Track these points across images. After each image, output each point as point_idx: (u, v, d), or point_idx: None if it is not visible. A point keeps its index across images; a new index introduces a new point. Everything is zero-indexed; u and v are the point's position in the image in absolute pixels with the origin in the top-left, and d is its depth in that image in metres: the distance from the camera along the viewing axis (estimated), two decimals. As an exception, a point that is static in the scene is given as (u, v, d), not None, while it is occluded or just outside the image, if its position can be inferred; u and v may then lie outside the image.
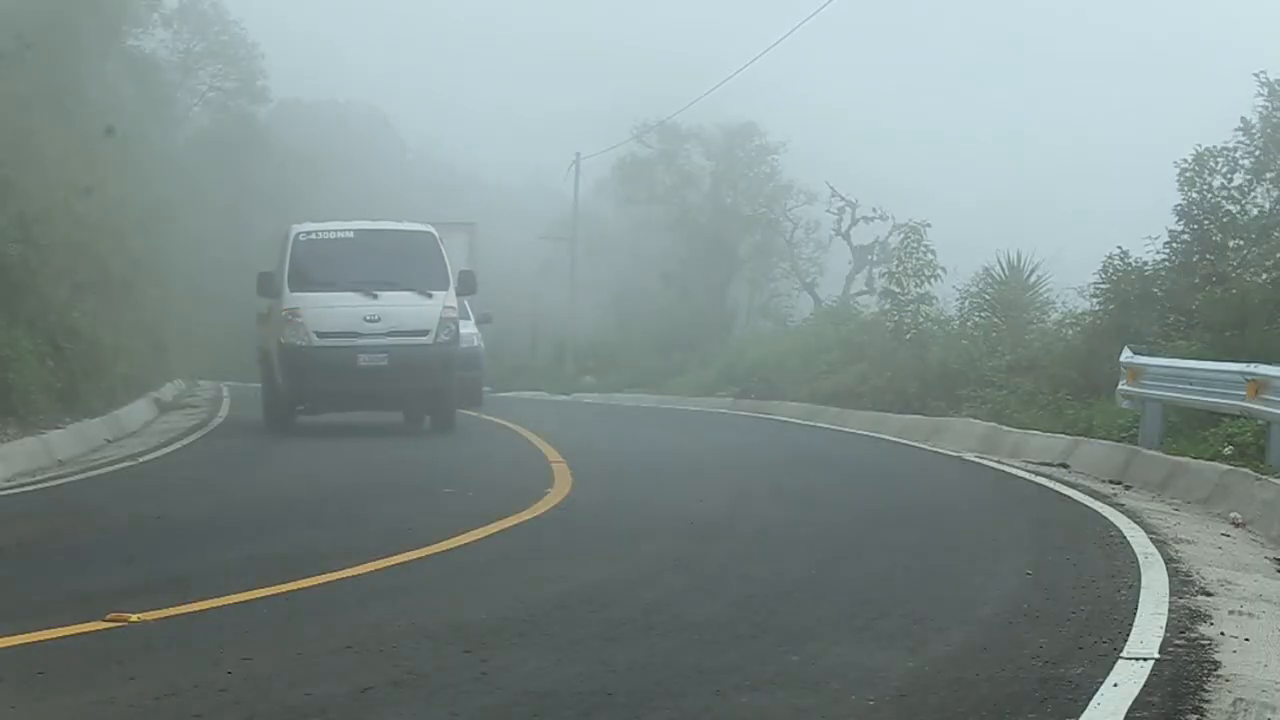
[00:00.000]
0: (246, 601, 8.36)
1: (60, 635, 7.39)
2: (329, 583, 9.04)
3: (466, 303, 27.54)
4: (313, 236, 21.46)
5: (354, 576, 9.27)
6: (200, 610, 8.07)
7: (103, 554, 10.32)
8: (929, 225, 29.22)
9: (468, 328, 27.66)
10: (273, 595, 8.54)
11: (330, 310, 20.79)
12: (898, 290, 29.07)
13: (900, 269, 29.06)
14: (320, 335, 20.69)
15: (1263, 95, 23.12)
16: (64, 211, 22.51)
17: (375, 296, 20.80)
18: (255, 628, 7.79)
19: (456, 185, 64.96)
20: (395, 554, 10.02)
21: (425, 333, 20.92)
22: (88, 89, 27.57)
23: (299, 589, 8.80)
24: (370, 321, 20.73)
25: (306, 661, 7.04)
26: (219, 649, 7.17)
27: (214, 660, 6.93)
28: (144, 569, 9.68)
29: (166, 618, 7.84)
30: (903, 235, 30.20)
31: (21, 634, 7.31)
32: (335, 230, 21.73)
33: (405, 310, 20.91)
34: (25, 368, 17.97)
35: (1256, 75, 23.14)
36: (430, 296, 21.04)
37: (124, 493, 14.38)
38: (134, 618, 7.70)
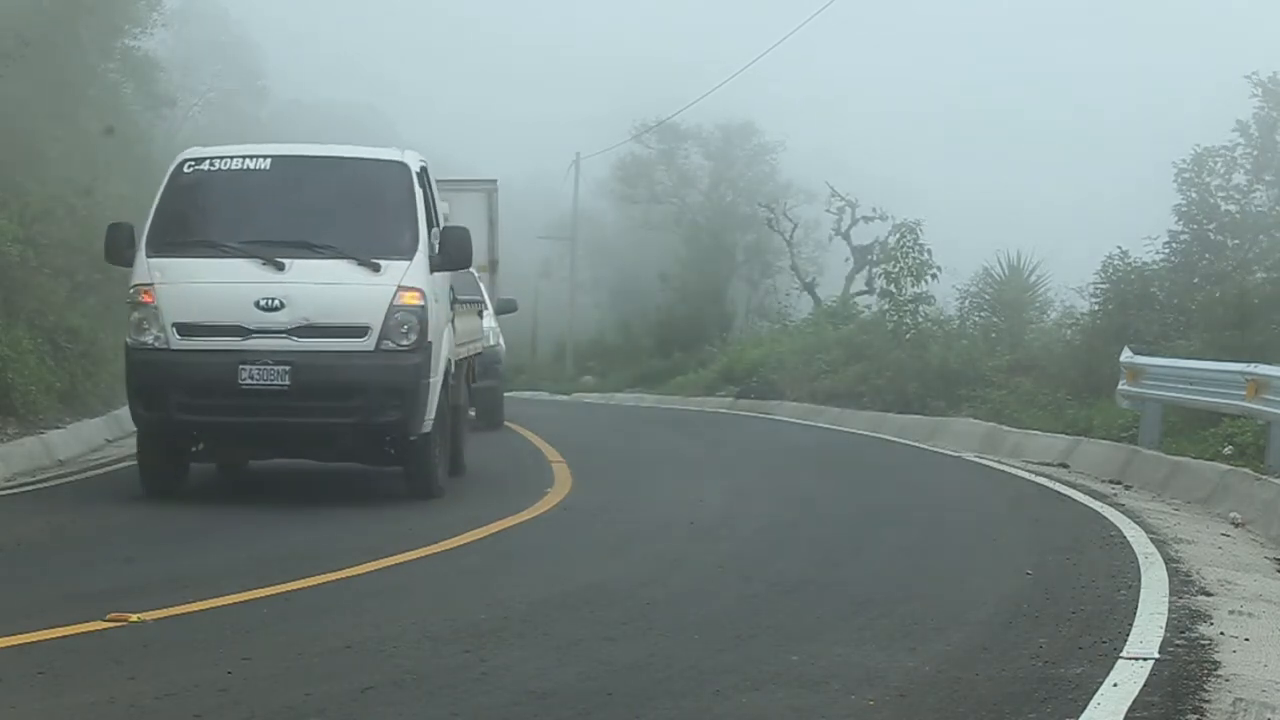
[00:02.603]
0: (246, 601, 8.36)
1: (60, 635, 7.38)
2: (329, 583, 9.04)
3: (483, 286, 22.04)
4: (204, 167, 13.42)
5: (354, 576, 9.27)
6: (200, 610, 8.07)
7: (103, 554, 10.32)
8: (921, 222, 29.26)
9: (485, 320, 20.34)
10: (273, 595, 8.54)
11: (202, 289, 12.85)
12: (895, 290, 29.11)
13: (898, 269, 29.10)
14: (182, 331, 12.72)
15: (1257, 96, 23.20)
16: (64, 211, 22.50)
17: (281, 267, 12.75)
18: (255, 628, 7.79)
19: (456, 185, 64.89)
20: (395, 554, 10.02)
21: (362, 330, 12.70)
22: (88, 89, 27.57)
23: (299, 589, 8.80)
24: (267, 309, 12.65)
25: (306, 661, 7.04)
26: (219, 649, 7.17)
27: (214, 660, 6.93)
28: (144, 569, 9.68)
29: (166, 618, 7.84)
30: (898, 235, 30.26)
31: (21, 634, 7.31)
32: (243, 157, 13.56)
33: (328, 290, 12.78)
34: (25, 368, 17.95)
35: (1249, 77, 23.23)
36: (377, 269, 12.80)
37: (124, 493, 14.37)
38: (134, 618, 7.69)
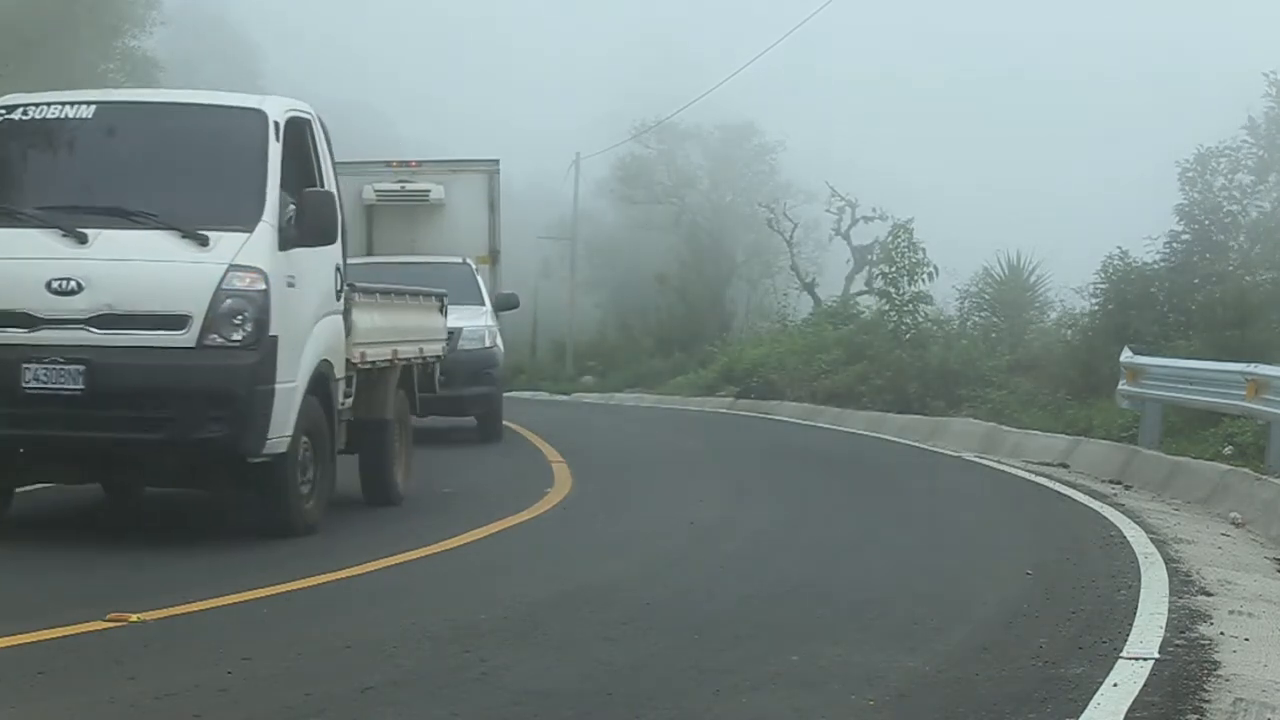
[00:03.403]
0: (246, 601, 8.36)
1: (60, 635, 7.37)
2: (329, 583, 9.04)
3: (481, 280, 20.38)
4: (15, 116, 10.85)
5: (354, 576, 9.28)
6: (200, 610, 8.07)
7: (103, 554, 10.31)
8: (912, 220, 29.29)
9: (480, 318, 19.10)
10: (273, 595, 8.54)
11: None
12: (893, 291, 29.13)
13: (894, 269, 29.13)
14: None
15: (1270, 94, 23.13)
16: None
17: (83, 239, 10.15)
18: (255, 628, 7.79)
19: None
20: (395, 554, 10.02)
21: (180, 321, 10.05)
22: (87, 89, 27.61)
23: (299, 589, 8.80)
24: (61, 292, 10.03)
25: (306, 661, 7.05)
26: (219, 649, 7.17)
27: (214, 660, 6.93)
28: (144, 569, 9.68)
29: (166, 618, 7.84)
30: (892, 235, 30.30)
31: (21, 634, 7.30)
32: (63, 104, 10.90)
33: (139, 269, 10.12)
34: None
35: (1266, 75, 23.16)
36: (205, 243, 10.15)
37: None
38: (134, 618, 7.69)
